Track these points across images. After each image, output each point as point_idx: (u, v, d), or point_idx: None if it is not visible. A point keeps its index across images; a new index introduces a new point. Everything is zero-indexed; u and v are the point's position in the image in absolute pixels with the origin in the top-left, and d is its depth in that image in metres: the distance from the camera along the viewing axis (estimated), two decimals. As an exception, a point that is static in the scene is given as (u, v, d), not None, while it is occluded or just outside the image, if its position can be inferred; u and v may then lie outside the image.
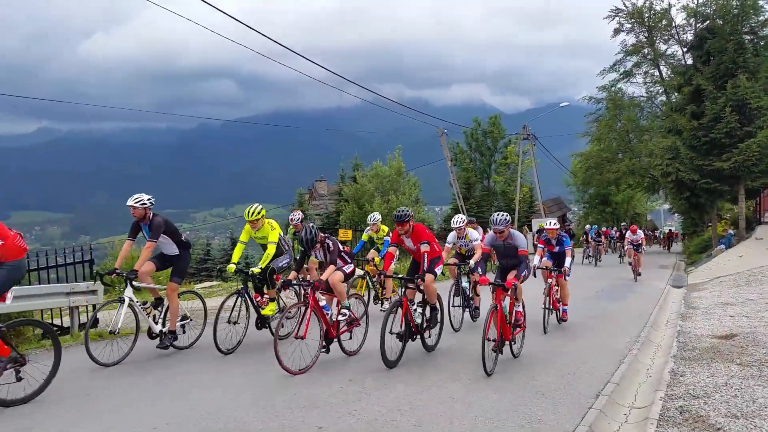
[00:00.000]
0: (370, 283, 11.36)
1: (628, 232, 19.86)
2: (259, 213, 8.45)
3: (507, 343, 7.17)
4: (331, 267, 7.46)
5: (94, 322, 7.69)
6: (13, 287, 5.75)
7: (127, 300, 7.35)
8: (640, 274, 18.18)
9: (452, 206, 40.31)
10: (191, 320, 8.34)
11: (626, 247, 19.68)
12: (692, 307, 12.07)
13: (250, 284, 8.61)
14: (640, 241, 19.07)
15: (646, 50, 32.77)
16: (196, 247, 46.36)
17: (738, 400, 5.66)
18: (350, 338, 7.69)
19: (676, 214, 51.79)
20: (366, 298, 10.72)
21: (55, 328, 9.07)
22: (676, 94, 31.40)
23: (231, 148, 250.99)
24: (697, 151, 26.80)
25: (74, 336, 8.89)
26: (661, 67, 33.50)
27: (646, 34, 32.29)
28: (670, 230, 51.96)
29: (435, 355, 7.68)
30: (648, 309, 11.90)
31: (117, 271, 7.39)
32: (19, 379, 5.48)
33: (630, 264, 19.08)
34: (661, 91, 34.54)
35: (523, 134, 41.05)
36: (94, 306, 9.98)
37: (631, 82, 35.33)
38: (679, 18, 32.24)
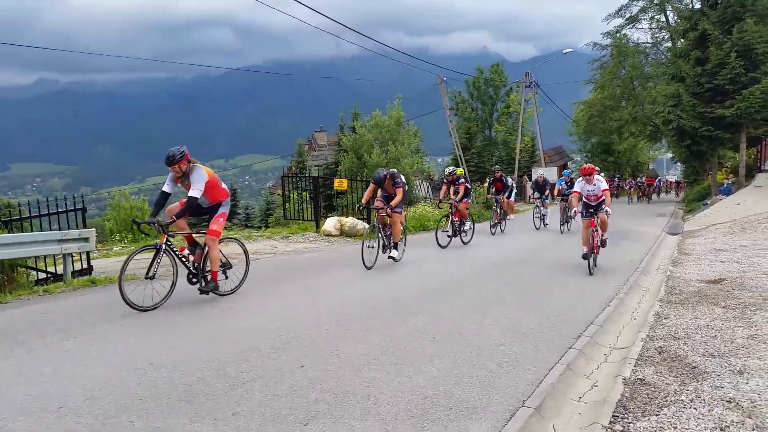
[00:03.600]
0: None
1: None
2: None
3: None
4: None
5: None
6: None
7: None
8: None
9: (452, 156, 40.02)
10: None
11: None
12: (684, 254, 12.12)
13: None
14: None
15: (652, -6, 31.96)
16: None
17: (717, 341, 5.73)
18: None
19: (679, 164, 51.43)
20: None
21: (49, 276, 9.20)
22: (681, 40, 30.69)
23: (231, 99, 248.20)
24: (700, 98, 26.36)
25: (67, 282, 8.97)
26: (668, 12, 32.67)
27: (653, -23, 31.42)
28: (675, 180, 52.10)
29: (425, 299, 7.75)
30: (640, 256, 11.94)
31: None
32: None
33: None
34: (666, 37, 33.81)
35: (526, 82, 40.40)
36: (87, 254, 10.07)
37: (636, 28, 34.60)
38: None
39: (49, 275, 9.32)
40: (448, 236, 13.46)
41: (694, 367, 5.03)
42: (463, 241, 13.87)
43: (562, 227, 17.20)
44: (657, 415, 4.10)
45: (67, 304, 7.60)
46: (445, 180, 14.28)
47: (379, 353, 5.37)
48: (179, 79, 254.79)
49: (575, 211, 10.07)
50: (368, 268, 9.99)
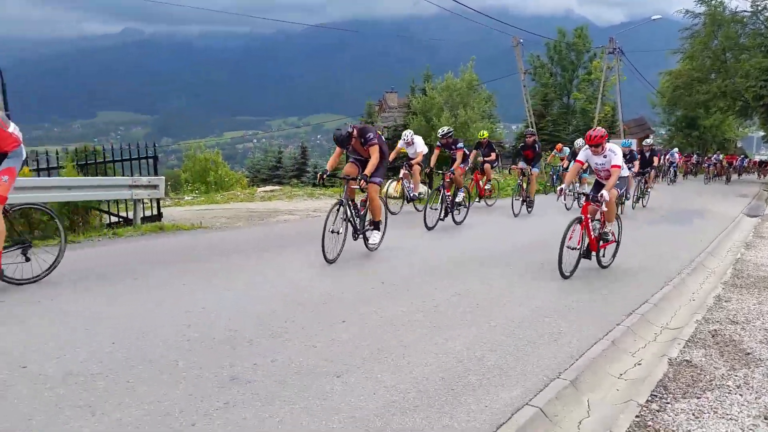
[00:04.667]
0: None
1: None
2: None
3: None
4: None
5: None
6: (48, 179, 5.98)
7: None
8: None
9: (525, 123, 38.96)
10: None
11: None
12: (761, 237, 11.46)
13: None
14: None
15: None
16: (268, 155, 47.77)
17: (779, 329, 5.44)
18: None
19: (770, 142, 48.19)
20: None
21: (119, 220, 9.71)
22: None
23: (307, 56, 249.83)
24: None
25: (136, 227, 9.47)
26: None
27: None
28: (759, 159, 48.76)
29: (476, 268, 7.71)
30: (712, 236, 11.36)
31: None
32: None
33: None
34: (768, 4, 31.36)
35: (610, 48, 38.54)
36: (158, 201, 10.55)
37: (735, -5, 32.21)
38: None
39: (120, 219, 9.85)
40: (440, 217, 10.86)
41: (748, 353, 4.82)
42: (455, 221, 11.30)
43: (634, 203, 15.55)
44: (698, 397, 3.97)
45: (133, 247, 8.04)
46: (438, 143, 11.87)
47: (420, 315, 5.42)
48: (259, 33, 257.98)
49: (560, 189, 7.63)
50: (329, 262, 7.26)
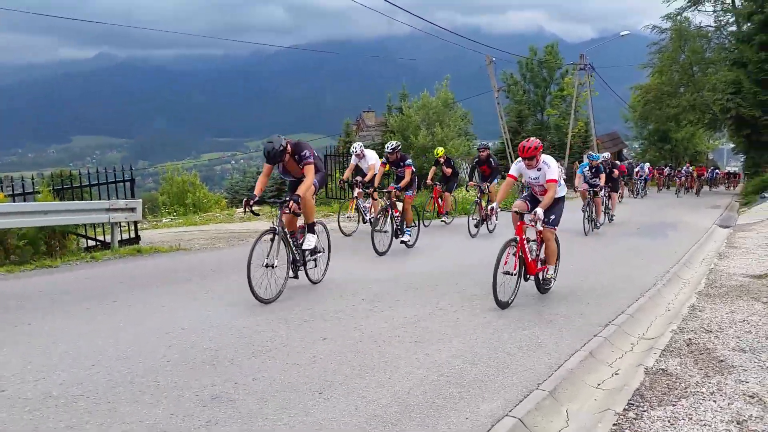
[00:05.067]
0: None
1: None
2: None
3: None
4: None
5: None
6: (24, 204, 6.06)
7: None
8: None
9: (501, 140, 39.47)
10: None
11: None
12: (733, 247, 11.72)
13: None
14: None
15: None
16: (247, 176, 47.59)
17: (750, 336, 5.58)
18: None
19: (740, 154, 49.31)
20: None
21: (97, 243, 9.64)
22: (747, 23, 29.30)
23: (284, 77, 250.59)
24: (763, 85, 25.18)
25: (114, 250, 9.39)
26: (735, -7, 31.22)
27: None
28: (727, 171, 49.81)
29: (457, 283, 7.78)
30: (685, 247, 11.60)
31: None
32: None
33: None
34: (731, 20, 32.32)
35: (581, 64, 39.30)
36: (135, 224, 10.50)
37: (699, 11, 33.25)
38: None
39: (97, 243, 9.77)
40: (389, 239, 9.83)
41: (722, 361, 4.93)
42: (406, 245, 10.37)
43: (587, 226, 13.35)
44: (674, 405, 4.06)
45: (111, 270, 7.98)
46: (384, 159, 10.95)
47: (401, 330, 5.46)
48: (235, 55, 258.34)
49: (492, 207, 6.75)
50: (264, 302, 6.20)
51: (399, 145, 11.15)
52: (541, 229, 6.70)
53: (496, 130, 38.86)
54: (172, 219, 18.05)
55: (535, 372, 4.58)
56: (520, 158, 6.89)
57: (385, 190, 10.65)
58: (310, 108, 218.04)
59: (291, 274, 6.77)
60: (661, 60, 35.57)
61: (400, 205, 10.55)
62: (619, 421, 3.80)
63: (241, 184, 44.16)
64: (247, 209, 6.46)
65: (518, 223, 6.68)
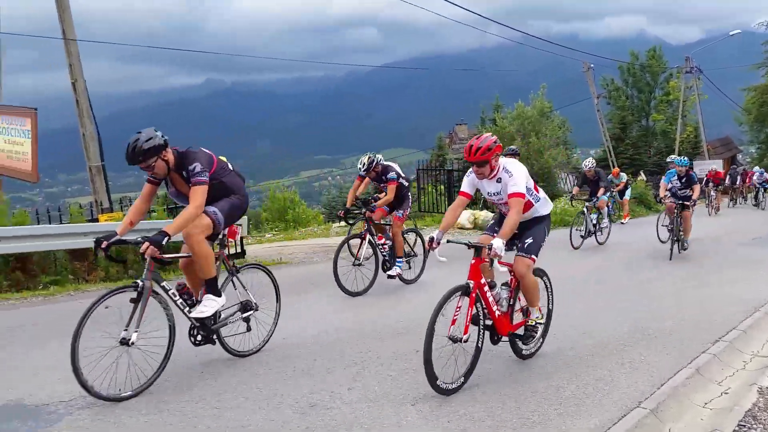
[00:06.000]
0: None
1: None
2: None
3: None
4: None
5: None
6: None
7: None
8: None
9: (603, 148, 38.03)
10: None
11: None
12: None
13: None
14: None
15: None
16: (342, 191, 48.88)
17: None
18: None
19: None
20: None
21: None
22: None
23: (377, 95, 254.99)
24: None
25: (221, 265, 9.94)
26: None
27: None
28: None
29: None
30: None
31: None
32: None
33: None
34: None
35: (686, 67, 37.25)
36: (241, 239, 11.07)
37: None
38: None
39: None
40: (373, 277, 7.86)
41: None
42: (388, 273, 8.00)
43: (672, 246, 10.46)
44: (792, 428, 3.78)
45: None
46: (361, 172, 8.41)
47: (495, 345, 5.41)
48: (331, 77, 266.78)
49: (431, 239, 4.60)
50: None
51: (375, 159, 8.30)
52: (498, 263, 4.46)
53: (598, 138, 37.58)
54: (274, 234, 18.83)
55: (637, 389, 4.41)
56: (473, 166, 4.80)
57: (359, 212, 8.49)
58: (403, 123, 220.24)
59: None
60: (778, 57, 33.02)
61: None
62: (729, 443, 3.59)
63: (338, 199, 45.36)
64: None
65: (474, 260, 4.46)
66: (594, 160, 13.44)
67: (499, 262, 4.47)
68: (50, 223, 9.23)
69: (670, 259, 10.12)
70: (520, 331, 4.92)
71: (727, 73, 41.37)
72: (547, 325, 5.21)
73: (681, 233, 10.56)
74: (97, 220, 9.52)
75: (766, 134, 47.86)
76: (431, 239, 4.58)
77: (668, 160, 15.02)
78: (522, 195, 4.61)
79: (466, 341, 4.33)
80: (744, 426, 3.82)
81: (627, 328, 6.03)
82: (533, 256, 4.78)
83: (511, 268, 4.77)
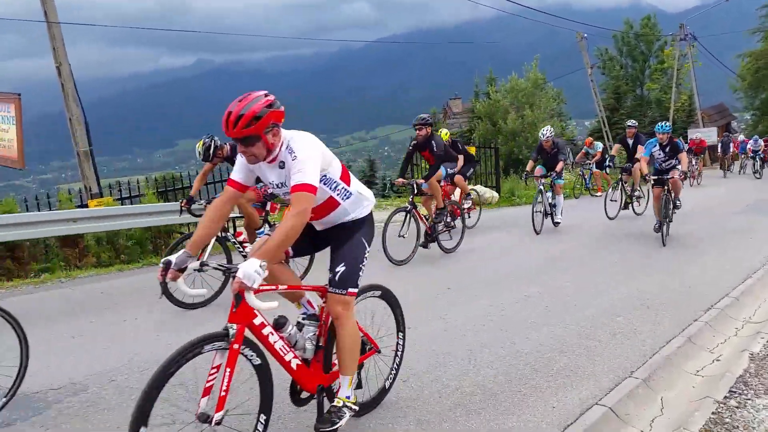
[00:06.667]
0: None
1: None
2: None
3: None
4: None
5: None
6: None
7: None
8: None
9: (597, 119, 37.86)
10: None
11: None
12: None
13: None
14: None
15: None
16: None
17: None
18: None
19: None
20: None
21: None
22: None
23: (372, 71, 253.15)
24: None
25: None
26: None
27: None
28: None
29: (546, 270, 7.61)
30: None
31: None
32: None
33: None
34: None
35: (681, 34, 36.89)
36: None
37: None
38: None
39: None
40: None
41: (841, 346, 4.53)
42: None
43: (663, 230, 9.08)
44: (783, 394, 3.78)
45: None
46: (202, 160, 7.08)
47: (486, 319, 5.42)
48: (324, 53, 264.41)
49: (174, 262, 2.87)
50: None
51: (210, 144, 6.93)
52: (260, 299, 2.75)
53: (592, 108, 37.42)
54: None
55: (629, 359, 4.41)
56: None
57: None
58: (398, 99, 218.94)
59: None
60: (773, 21, 32.70)
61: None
62: (719, 410, 3.59)
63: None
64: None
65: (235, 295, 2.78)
66: (552, 129, 10.81)
67: (260, 295, 2.77)
68: (39, 210, 9.13)
69: (663, 245, 8.75)
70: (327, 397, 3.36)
71: (722, 39, 41.03)
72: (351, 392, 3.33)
73: (673, 211, 9.39)
74: (86, 206, 9.43)
75: (761, 100, 47.67)
76: (166, 264, 2.88)
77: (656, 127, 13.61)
78: (311, 188, 2.92)
79: (219, 423, 2.73)
80: (735, 392, 3.82)
81: (619, 300, 6.03)
82: (351, 290, 3.24)
83: (324, 297, 3.34)
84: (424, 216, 8.50)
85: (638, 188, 12.17)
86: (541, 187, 10.34)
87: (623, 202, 11.85)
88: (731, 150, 24.42)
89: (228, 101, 2.97)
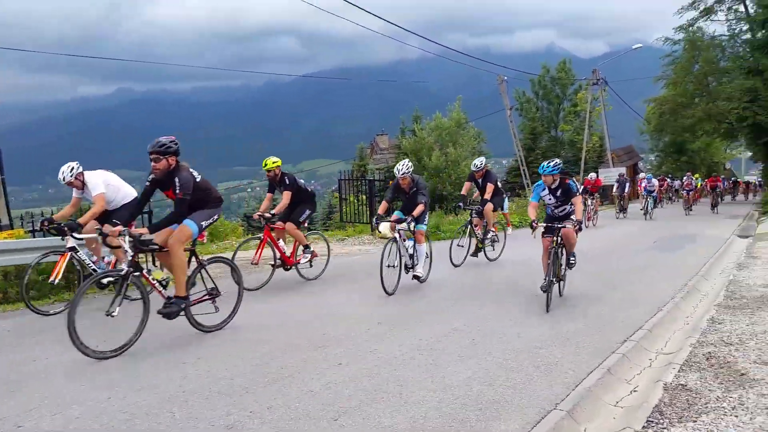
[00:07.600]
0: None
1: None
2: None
3: None
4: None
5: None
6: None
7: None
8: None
9: (515, 158, 39.46)
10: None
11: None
12: (753, 257, 11.53)
13: None
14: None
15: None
16: (262, 203, 48.15)
17: (773, 348, 5.48)
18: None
19: (759, 162, 48.57)
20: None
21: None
22: (762, 31, 29.03)
23: (299, 105, 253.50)
24: (780, 92, 24.94)
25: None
26: (747, 1, 30.95)
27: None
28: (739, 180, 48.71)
29: (469, 302, 7.75)
30: (704, 259, 11.43)
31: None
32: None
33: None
34: (746, 29, 32.05)
35: (593, 79, 39.32)
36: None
37: (711, 20, 32.89)
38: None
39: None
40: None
41: (743, 374, 4.84)
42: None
43: (550, 291, 7.25)
44: (694, 421, 3.99)
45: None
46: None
47: (416, 353, 5.45)
48: (251, 86, 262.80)
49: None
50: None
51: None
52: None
53: (511, 148, 39.00)
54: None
55: (553, 391, 4.54)
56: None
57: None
58: (325, 134, 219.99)
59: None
60: (675, 71, 35.32)
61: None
62: (638, 440, 3.74)
63: (257, 210, 44.53)
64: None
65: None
66: (410, 164, 8.97)
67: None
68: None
69: (547, 311, 7.04)
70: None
71: (631, 84, 43.92)
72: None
73: (565, 269, 7.90)
74: (-7, 238, 8.82)
75: (665, 143, 51.26)
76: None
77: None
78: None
79: None
80: (652, 422, 4.00)
81: (540, 331, 6.21)
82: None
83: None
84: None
85: (492, 230, 10.99)
86: (396, 236, 8.38)
87: (472, 247, 10.77)
88: (627, 190, 24.10)
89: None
